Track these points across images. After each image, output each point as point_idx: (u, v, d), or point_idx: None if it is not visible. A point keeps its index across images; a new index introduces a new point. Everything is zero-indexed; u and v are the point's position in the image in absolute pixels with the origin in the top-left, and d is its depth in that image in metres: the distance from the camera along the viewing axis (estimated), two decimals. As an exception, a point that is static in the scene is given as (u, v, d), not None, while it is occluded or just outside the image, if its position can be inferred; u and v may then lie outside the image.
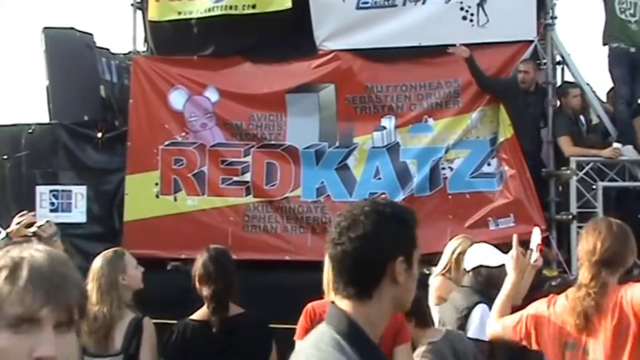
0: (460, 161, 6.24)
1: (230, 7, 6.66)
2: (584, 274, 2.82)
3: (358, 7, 6.38)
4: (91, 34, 7.87)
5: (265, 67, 6.80)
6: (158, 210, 6.81)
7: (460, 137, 6.24)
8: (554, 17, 6.38)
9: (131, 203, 6.86)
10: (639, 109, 6.35)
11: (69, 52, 7.61)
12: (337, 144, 6.53)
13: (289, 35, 6.69)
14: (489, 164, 6.21)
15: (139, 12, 7.36)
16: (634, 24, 6.25)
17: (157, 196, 6.86)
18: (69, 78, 7.53)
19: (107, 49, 8.07)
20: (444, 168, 6.28)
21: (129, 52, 7.46)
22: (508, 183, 6.09)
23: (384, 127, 6.40)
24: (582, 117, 6.78)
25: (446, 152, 6.25)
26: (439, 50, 6.24)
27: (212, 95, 6.91)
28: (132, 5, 7.34)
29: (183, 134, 6.91)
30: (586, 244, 2.83)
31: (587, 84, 6.64)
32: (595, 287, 2.74)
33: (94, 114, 7.62)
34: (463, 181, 6.24)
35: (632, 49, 6.22)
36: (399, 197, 6.19)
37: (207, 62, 6.99)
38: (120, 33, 19.85)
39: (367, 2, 6.35)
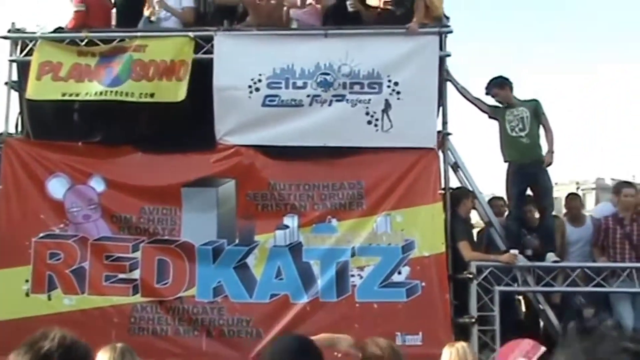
0: (371, 269, 7.22)
1: (126, 94, 7.44)
2: None
3: (264, 104, 7.44)
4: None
5: (159, 158, 7.57)
6: (28, 310, 7.16)
7: (368, 241, 7.26)
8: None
9: (-5, 302, 7.16)
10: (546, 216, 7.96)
11: None
12: (237, 241, 7.32)
13: (186, 127, 7.54)
14: (399, 273, 7.25)
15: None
16: (525, 137, 7.82)
17: (28, 294, 7.27)
18: None
19: None
20: (353, 275, 7.22)
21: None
22: (422, 298, 7.18)
23: (287, 226, 7.33)
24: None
25: (352, 255, 7.24)
26: (343, 152, 7.47)
27: (97, 185, 7.54)
28: (6, 84, 7.95)
29: (62, 225, 7.45)
30: None
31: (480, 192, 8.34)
32: None
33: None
34: (372, 290, 7.20)
35: (527, 161, 7.81)
36: (303, 300, 7.09)
37: (94, 149, 7.66)
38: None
39: (273, 100, 7.45)
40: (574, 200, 8.74)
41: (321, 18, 8.22)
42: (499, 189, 9.06)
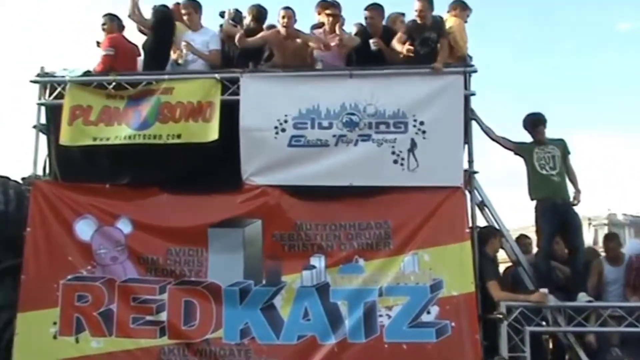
0: (399, 308, 7.24)
1: (154, 137, 7.65)
2: None
3: (290, 145, 7.57)
4: (-17, 155, 8.62)
5: (186, 199, 7.68)
6: (56, 353, 7.30)
7: (395, 281, 7.31)
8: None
9: (22, 345, 7.31)
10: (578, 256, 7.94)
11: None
12: (264, 282, 7.40)
13: (213, 168, 7.67)
14: (428, 312, 7.26)
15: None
16: (555, 176, 7.88)
17: (55, 337, 7.37)
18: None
19: (6, 177, 8.62)
20: (381, 315, 7.25)
21: (28, 177, 8.21)
22: (452, 338, 7.16)
23: (314, 266, 7.40)
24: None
25: (380, 295, 7.27)
26: (370, 191, 7.56)
27: (124, 226, 7.67)
28: (34, 127, 8.16)
29: (89, 267, 7.58)
30: None
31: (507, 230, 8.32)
32: None
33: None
34: (401, 330, 7.22)
35: (559, 201, 7.87)
36: (331, 341, 7.16)
37: (121, 191, 7.81)
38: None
39: (299, 140, 7.58)
40: (611, 241, 8.59)
41: (344, 59, 8.33)
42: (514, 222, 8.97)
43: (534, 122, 8.18)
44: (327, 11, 8.47)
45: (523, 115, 8.34)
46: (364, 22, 8.69)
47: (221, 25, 8.88)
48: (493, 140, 8.19)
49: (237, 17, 8.96)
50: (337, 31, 8.14)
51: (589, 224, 40.61)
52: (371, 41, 8.21)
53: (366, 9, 8.51)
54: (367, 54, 8.27)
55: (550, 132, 8.31)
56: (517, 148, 8.17)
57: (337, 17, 8.36)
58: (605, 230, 45.22)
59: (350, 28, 8.74)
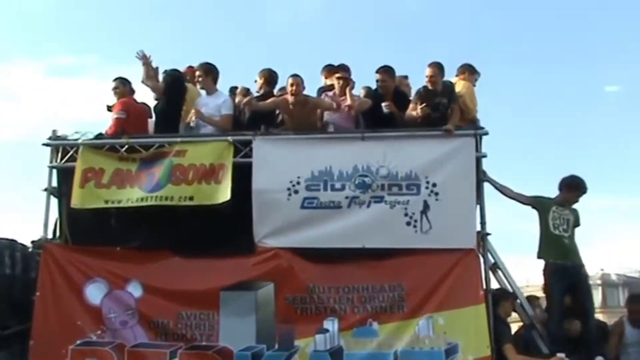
0: None
1: (167, 198, 7.74)
2: None
3: (303, 207, 7.68)
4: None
5: (197, 262, 7.75)
6: (65, 419, 7.25)
7: (410, 345, 7.29)
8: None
9: (32, 412, 7.27)
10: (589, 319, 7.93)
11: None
12: (276, 346, 7.37)
13: (225, 230, 7.78)
14: None
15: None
16: (567, 238, 7.97)
17: (65, 403, 7.33)
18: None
19: (13, 240, 8.70)
20: None
21: (38, 240, 8.24)
22: None
23: (327, 330, 7.39)
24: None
25: (395, 359, 7.25)
26: (383, 253, 7.62)
27: (135, 290, 7.71)
28: (45, 190, 8.24)
29: (99, 332, 7.58)
30: None
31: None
32: None
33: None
34: None
35: (569, 263, 7.92)
36: (346, 406, 7.13)
37: (131, 254, 7.89)
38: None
39: (312, 202, 7.69)
40: (636, 304, 8.52)
41: (355, 121, 8.44)
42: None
43: (578, 186, 8.24)
44: (337, 75, 8.70)
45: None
46: (373, 85, 8.86)
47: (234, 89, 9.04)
48: (511, 198, 8.22)
49: (248, 94, 9.10)
50: (348, 94, 8.29)
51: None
52: (383, 104, 8.37)
53: (378, 71, 8.70)
54: (376, 116, 8.42)
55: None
56: (535, 202, 8.22)
57: (347, 80, 8.59)
58: (600, 290, 45.07)
59: (358, 91, 8.92)
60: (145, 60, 8.59)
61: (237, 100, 8.83)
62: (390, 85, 8.66)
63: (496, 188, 8.14)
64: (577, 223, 8.12)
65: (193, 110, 8.47)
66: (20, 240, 8.93)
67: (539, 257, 8.06)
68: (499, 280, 8.26)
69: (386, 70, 8.66)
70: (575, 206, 8.27)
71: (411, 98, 8.62)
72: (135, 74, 8.88)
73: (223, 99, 8.68)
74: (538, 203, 8.21)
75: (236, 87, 9.41)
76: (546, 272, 8.00)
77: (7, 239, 8.76)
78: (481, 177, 7.94)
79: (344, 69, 8.90)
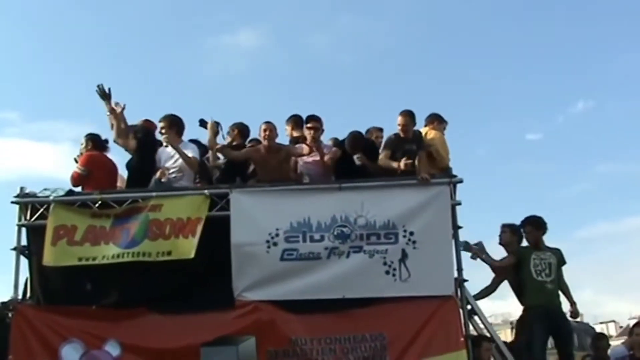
0: None
1: (144, 254, 7.71)
2: None
3: (282, 259, 7.77)
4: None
5: (176, 318, 7.71)
6: None
7: None
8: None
9: None
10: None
11: None
12: None
13: (203, 285, 7.81)
14: None
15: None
16: (549, 283, 8.29)
17: None
18: None
19: None
20: None
21: (8, 301, 8.07)
22: None
23: (310, 383, 7.51)
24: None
25: None
26: (363, 303, 7.75)
27: (113, 349, 7.63)
28: (14, 249, 8.11)
29: (76, 394, 7.49)
30: None
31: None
32: None
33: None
34: None
35: (552, 307, 8.19)
36: None
37: (107, 312, 7.80)
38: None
39: (291, 254, 7.79)
40: (602, 341, 8.92)
41: (331, 172, 8.62)
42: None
43: (539, 225, 8.54)
44: (309, 124, 8.83)
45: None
46: (338, 137, 9.07)
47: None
48: (497, 267, 8.58)
49: (218, 129, 9.18)
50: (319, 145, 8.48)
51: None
52: (355, 157, 8.56)
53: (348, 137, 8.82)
54: (348, 167, 8.60)
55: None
56: (516, 255, 8.48)
57: (318, 130, 8.76)
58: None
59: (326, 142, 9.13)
60: (115, 115, 8.63)
61: (208, 140, 8.87)
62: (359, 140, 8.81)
63: (482, 259, 8.48)
64: (562, 262, 8.44)
65: (159, 172, 8.44)
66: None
67: (522, 304, 8.35)
68: (474, 326, 8.51)
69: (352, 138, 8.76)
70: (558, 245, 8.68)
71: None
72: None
73: (189, 148, 8.62)
74: (518, 255, 8.54)
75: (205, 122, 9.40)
76: (529, 317, 8.27)
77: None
78: (456, 224, 8.22)
79: (315, 119, 9.05)
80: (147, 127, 8.95)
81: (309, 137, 8.76)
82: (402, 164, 8.29)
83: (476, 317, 8.46)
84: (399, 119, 8.52)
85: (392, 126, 8.93)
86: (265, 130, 8.48)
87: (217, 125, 9.35)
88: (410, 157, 8.47)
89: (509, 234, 8.77)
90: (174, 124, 8.73)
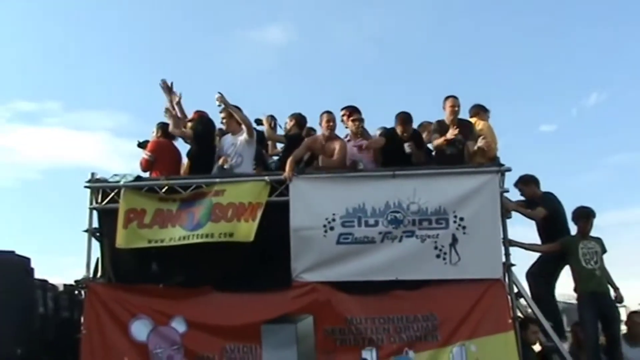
0: None
1: (207, 235, 8.21)
2: None
3: (338, 242, 8.24)
4: (28, 258, 9.02)
5: (237, 297, 8.22)
6: None
7: None
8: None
9: None
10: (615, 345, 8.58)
11: (5, 277, 8.52)
12: None
13: (262, 266, 8.26)
14: None
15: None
16: (598, 270, 8.68)
17: None
18: (4, 306, 8.39)
19: (45, 281, 9.20)
20: None
21: (81, 280, 8.65)
22: None
23: (366, 359, 7.97)
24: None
25: None
26: (415, 285, 8.16)
27: (179, 326, 8.19)
28: (86, 231, 8.70)
29: (145, 367, 8.02)
30: None
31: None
32: None
33: (27, 348, 8.50)
34: None
35: (600, 293, 8.57)
36: None
37: (173, 291, 8.37)
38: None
39: (347, 238, 8.25)
40: (637, 315, 9.24)
41: (378, 159, 9.06)
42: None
43: (587, 215, 8.93)
44: (352, 117, 9.40)
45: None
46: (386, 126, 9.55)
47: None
48: (541, 252, 8.92)
49: (273, 122, 9.69)
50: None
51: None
52: (406, 144, 8.98)
53: (397, 118, 9.27)
54: (396, 154, 9.03)
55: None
56: (562, 245, 8.88)
57: (362, 121, 9.36)
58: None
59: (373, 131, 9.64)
60: (174, 106, 9.19)
61: (267, 134, 9.39)
62: (408, 130, 9.22)
63: (525, 248, 8.85)
64: (603, 251, 8.79)
65: (216, 96, 8.87)
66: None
67: (575, 291, 8.71)
68: (520, 309, 8.89)
69: (403, 118, 9.21)
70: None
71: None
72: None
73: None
74: (565, 245, 8.91)
75: (261, 120, 10.01)
76: (580, 302, 8.66)
77: (39, 280, 9.19)
78: (504, 211, 8.60)
79: (357, 111, 9.57)
80: (203, 117, 9.45)
81: (354, 129, 9.29)
82: (450, 134, 8.79)
83: (522, 300, 8.85)
84: (449, 102, 9.00)
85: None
86: (328, 121, 8.99)
87: (271, 118, 9.91)
88: (456, 146, 8.90)
89: (528, 187, 9.30)
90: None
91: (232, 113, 9.09)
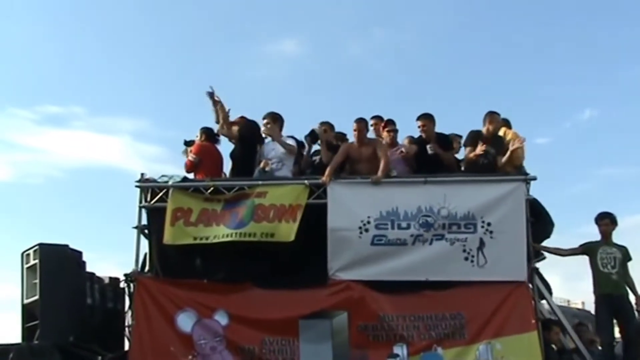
0: None
1: (249, 235, 8.74)
2: None
3: (373, 243, 8.75)
4: (80, 252, 9.63)
5: (277, 293, 8.74)
6: None
7: None
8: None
9: None
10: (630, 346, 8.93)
11: (61, 269, 9.11)
12: None
13: (300, 265, 8.81)
14: None
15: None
16: (614, 274, 9.08)
17: None
18: (59, 296, 8.98)
19: (92, 273, 9.79)
20: None
21: (130, 273, 9.22)
22: None
23: (397, 355, 8.41)
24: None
25: None
26: (444, 285, 8.67)
27: (222, 318, 8.71)
28: (135, 228, 9.26)
29: (190, 357, 8.57)
30: None
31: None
32: None
33: (78, 335, 9.09)
34: None
35: (614, 294, 8.99)
36: None
37: (217, 286, 8.89)
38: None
39: (381, 240, 8.76)
40: None
41: (410, 164, 9.58)
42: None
43: (613, 220, 9.42)
44: (387, 128, 10.00)
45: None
46: (414, 134, 10.12)
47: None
48: (565, 256, 9.38)
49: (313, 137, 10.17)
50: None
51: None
52: (428, 146, 9.50)
53: (418, 119, 9.81)
54: (423, 158, 9.57)
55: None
56: (585, 249, 9.32)
57: (396, 132, 9.95)
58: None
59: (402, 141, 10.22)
60: (219, 107, 9.75)
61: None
62: (430, 129, 9.76)
63: (550, 252, 9.30)
64: (627, 258, 9.22)
65: (262, 162, 9.46)
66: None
67: (594, 293, 9.16)
68: (542, 311, 9.35)
69: (425, 117, 9.79)
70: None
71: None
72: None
73: (289, 140, 9.74)
74: (587, 249, 9.35)
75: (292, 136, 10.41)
76: (596, 304, 9.10)
77: (87, 272, 9.79)
78: (528, 217, 9.04)
79: (393, 123, 10.15)
80: (249, 121, 10.01)
81: (388, 139, 9.85)
82: (479, 149, 9.29)
83: (546, 302, 9.33)
84: (488, 119, 9.52)
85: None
86: (355, 130, 9.44)
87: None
88: (488, 158, 9.36)
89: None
90: (277, 120, 9.76)
91: (274, 121, 9.66)
